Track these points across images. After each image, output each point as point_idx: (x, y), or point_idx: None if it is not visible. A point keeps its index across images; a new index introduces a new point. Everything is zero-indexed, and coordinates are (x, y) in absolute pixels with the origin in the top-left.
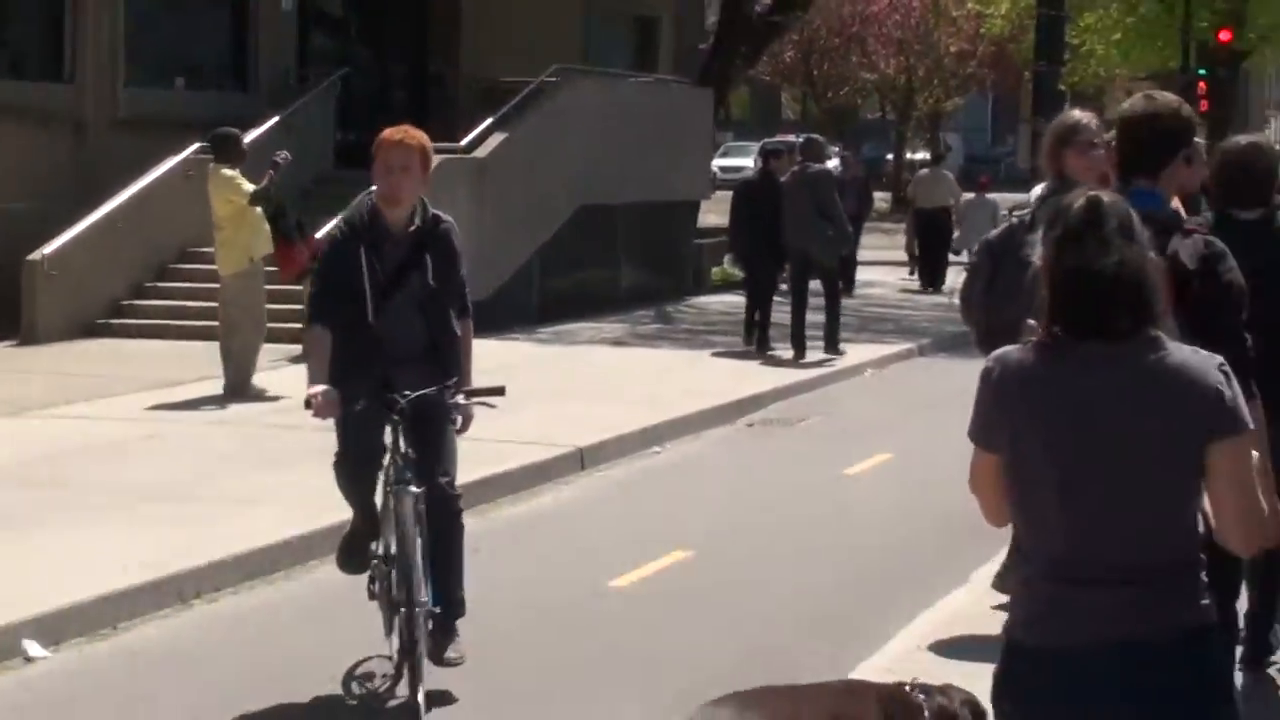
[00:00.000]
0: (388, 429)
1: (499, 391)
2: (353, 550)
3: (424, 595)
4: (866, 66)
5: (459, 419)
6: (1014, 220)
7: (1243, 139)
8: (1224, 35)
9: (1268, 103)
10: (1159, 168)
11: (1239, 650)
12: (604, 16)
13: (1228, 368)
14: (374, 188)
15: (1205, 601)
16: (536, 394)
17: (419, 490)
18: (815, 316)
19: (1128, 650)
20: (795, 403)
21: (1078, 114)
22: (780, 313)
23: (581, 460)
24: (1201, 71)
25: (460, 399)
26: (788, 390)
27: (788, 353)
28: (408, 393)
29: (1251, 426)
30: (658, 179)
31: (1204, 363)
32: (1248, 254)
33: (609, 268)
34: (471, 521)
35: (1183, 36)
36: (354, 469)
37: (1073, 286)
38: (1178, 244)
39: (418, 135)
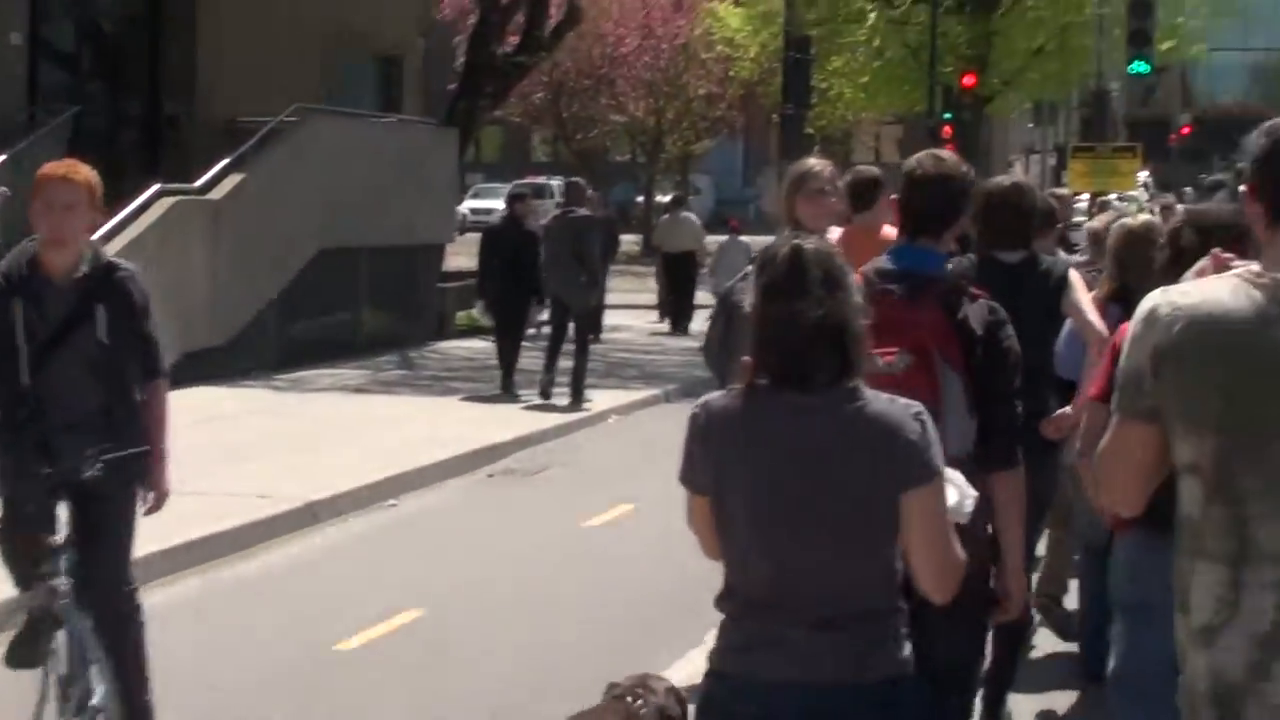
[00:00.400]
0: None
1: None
2: (23, 640)
3: (96, 699)
4: (616, 108)
5: (149, 496)
6: (749, 268)
7: (1005, 180)
8: (968, 80)
9: (1012, 147)
10: (944, 228)
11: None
12: (349, 55)
13: (925, 417)
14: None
15: (903, 653)
16: (268, 444)
17: (68, 585)
18: (564, 362)
19: (822, 694)
20: (538, 451)
21: (810, 161)
22: (529, 358)
23: (313, 514)
24: (947, 115)
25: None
26: (530, 439)
27: (540, 398)
28: (81, 464)
29: (942, 471)
30: (402, 221)
31: (901, 413)
32: (1009, 296)
33: (351, 312)
34: (194, 581)
35: (928, 81)
36: (12, 548)
37: (774, 335)
38: (967, 308)
39: (84, 170)
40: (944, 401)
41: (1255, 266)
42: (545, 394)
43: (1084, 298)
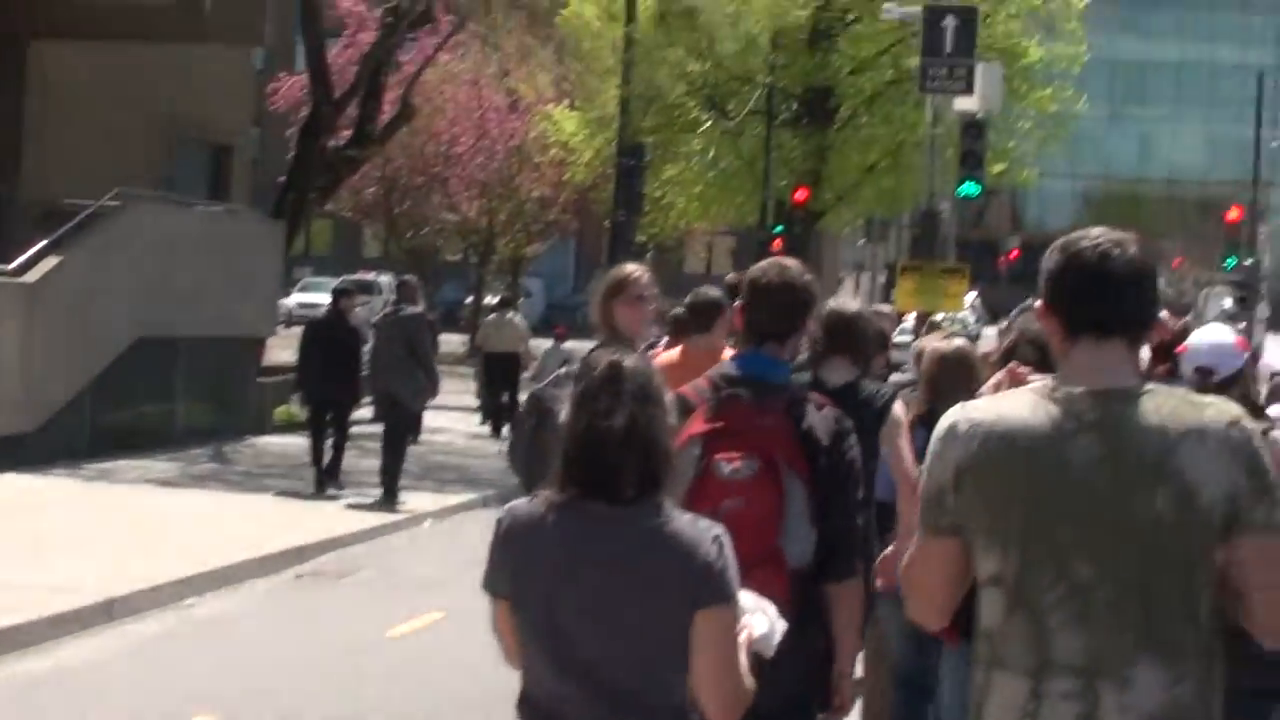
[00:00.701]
0: None
1: None
2: None
3: None
4: (448, 207)
5: None
6: (561, 372)
7: (844, 303)
8: (801, 194)
9: (842, 263)
10: (788, 336)
11: None
12: (181, 142)
13: (724, 540)
14: None
15: None
16: (68, 536)
17: None
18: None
19: None
20: (349, 554)
21: (628, 267)
22: (352, 456)
23: (110, 611)
24: (779, 229)
25: None
26: (342, 540)
27: (363, 498)
28: None
29: (735, 597)
30: (223, 312)
31: (700, 533)
32: None
33: (167, 403)
34: None
35: (762, 193)
36: None
37: (584, 445)
38: (813, 418)
39: None
40: (787, 509)
41: (1050, 381)
42: (391, 496)
43: (902, 435)
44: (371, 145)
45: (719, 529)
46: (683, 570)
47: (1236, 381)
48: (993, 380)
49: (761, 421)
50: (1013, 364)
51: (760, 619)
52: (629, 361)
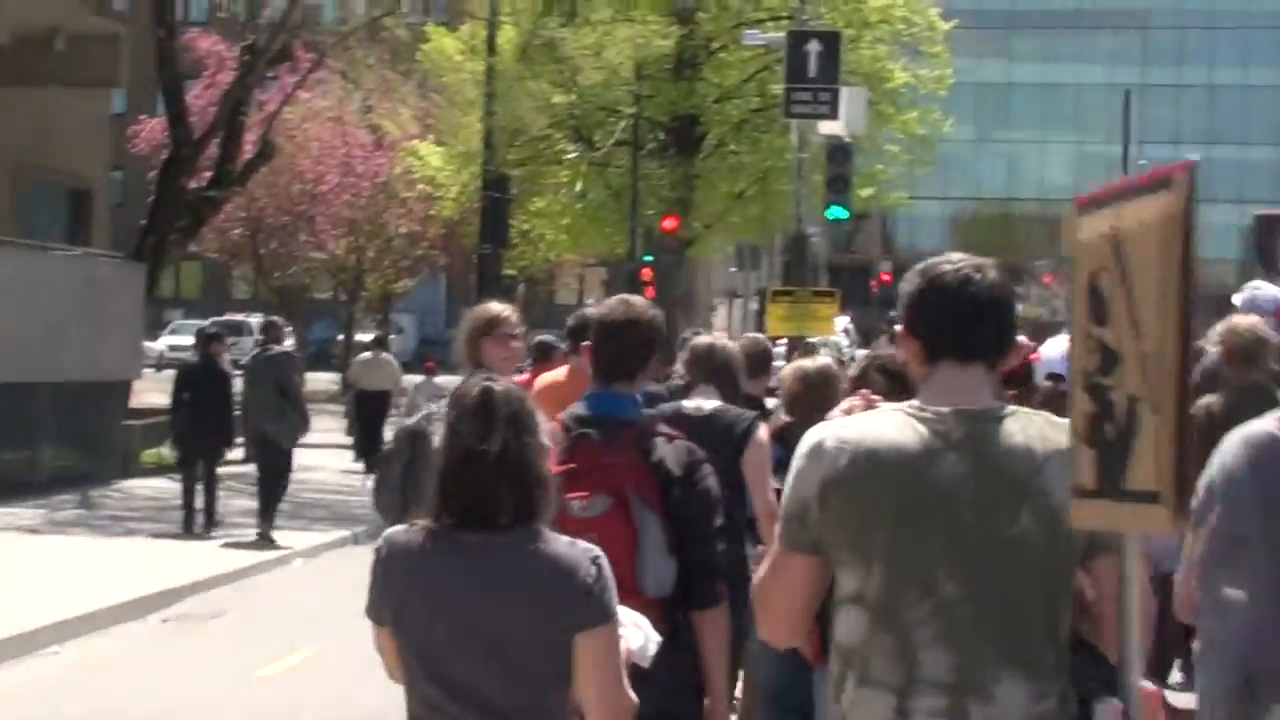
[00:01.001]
0: None
1: None
2: None
3: None
4: (315, 246)
5: None
6: (432, 408)
7: (704, 337)
8: (669, 224)
9: (715, 290)
10: (636, 371)
11: None
12: (37, 186)
13: (602, 561)
14: None
15: None
16: None
17: None
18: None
19: None
20: (217, 595)
21: (497, 306)
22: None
23: None
24: (648, 258)
25: None
26: (210, 582)
27: (238, 535)
28: None
29: (615, 616)
30: (85, 356)
31: (578, 556)
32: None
33: (30, 449)
34: None
35: (630, 224)
36: None
37: (458, 472)
38: (663, 450)
39: None
40: (641, 543)
41: (915, 402)
42: (267, 536)
43: (763, 463)
44: (232, 185)
45: (596, 551)
46: (563, 593)
47: None
48: (844, 405)
49: (611, 459)
50: (864, 391)
51: (634, 632)
52: (500, 387)
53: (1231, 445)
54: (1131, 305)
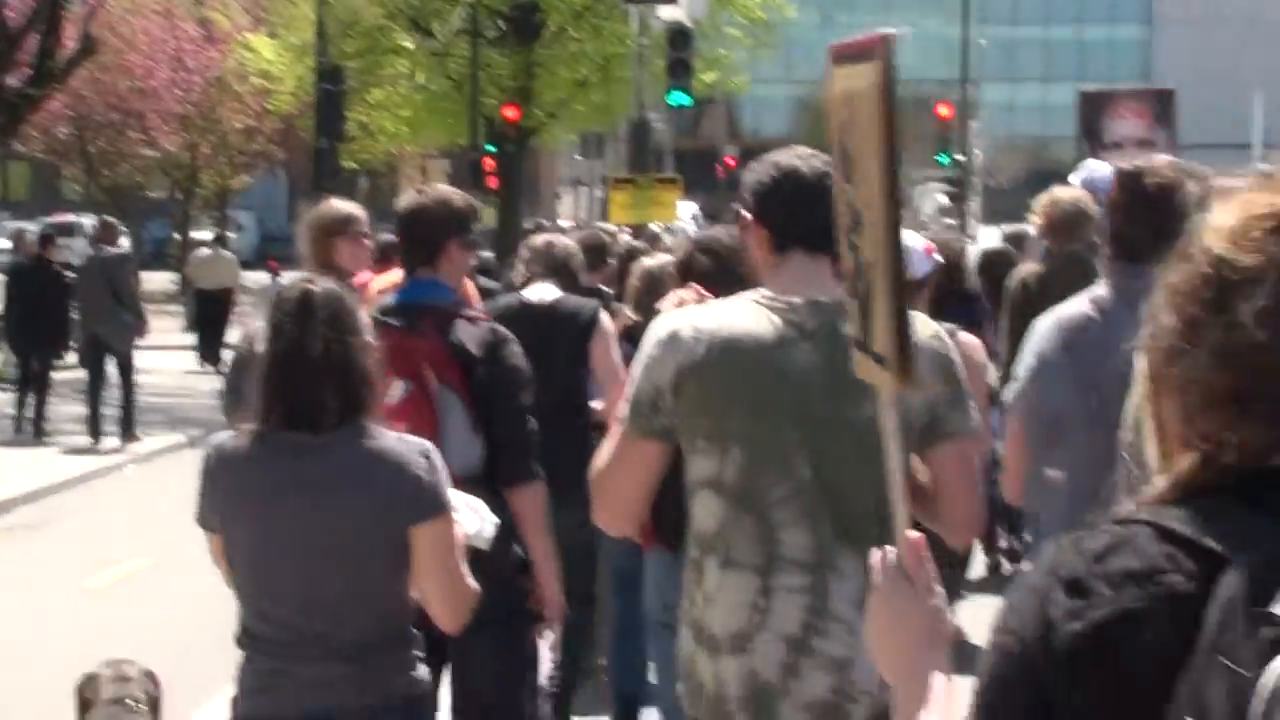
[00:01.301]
0: None
1: None
2: None
3: None
4: (147, 143)
5: None
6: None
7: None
8: (510, 113)
9: (560, 179)
10: (435, 257)
11: None
12: None
13: (433, 454)
14: None
15: (417, 673)
16: None
17: None
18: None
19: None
20: (46, 504)
21: (345, 204)
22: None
23: None
24: (490, 148)
25: None
26: (40, 492)
27: (74, 440)
28: None
29: (449, 507)
30: None
31: (408, 450)
32: (538, 336)
33: None
34: None
35: (471, 113)
36: None
37: (281, 375)
38: (463, 332)
39: None
40: (444, 424)
41: (766, 291)
42: (96, 436)
43: (611, 344)
44: (53, 82)
45: (427, 444)
46: (395, 488)
47: (925, 284)
48: (674, 296)
49: (412, 343)
50: (693, 284)
51: (469, 515)
52: (319, 288)
53: (1045, 328)
54: (860, 168)
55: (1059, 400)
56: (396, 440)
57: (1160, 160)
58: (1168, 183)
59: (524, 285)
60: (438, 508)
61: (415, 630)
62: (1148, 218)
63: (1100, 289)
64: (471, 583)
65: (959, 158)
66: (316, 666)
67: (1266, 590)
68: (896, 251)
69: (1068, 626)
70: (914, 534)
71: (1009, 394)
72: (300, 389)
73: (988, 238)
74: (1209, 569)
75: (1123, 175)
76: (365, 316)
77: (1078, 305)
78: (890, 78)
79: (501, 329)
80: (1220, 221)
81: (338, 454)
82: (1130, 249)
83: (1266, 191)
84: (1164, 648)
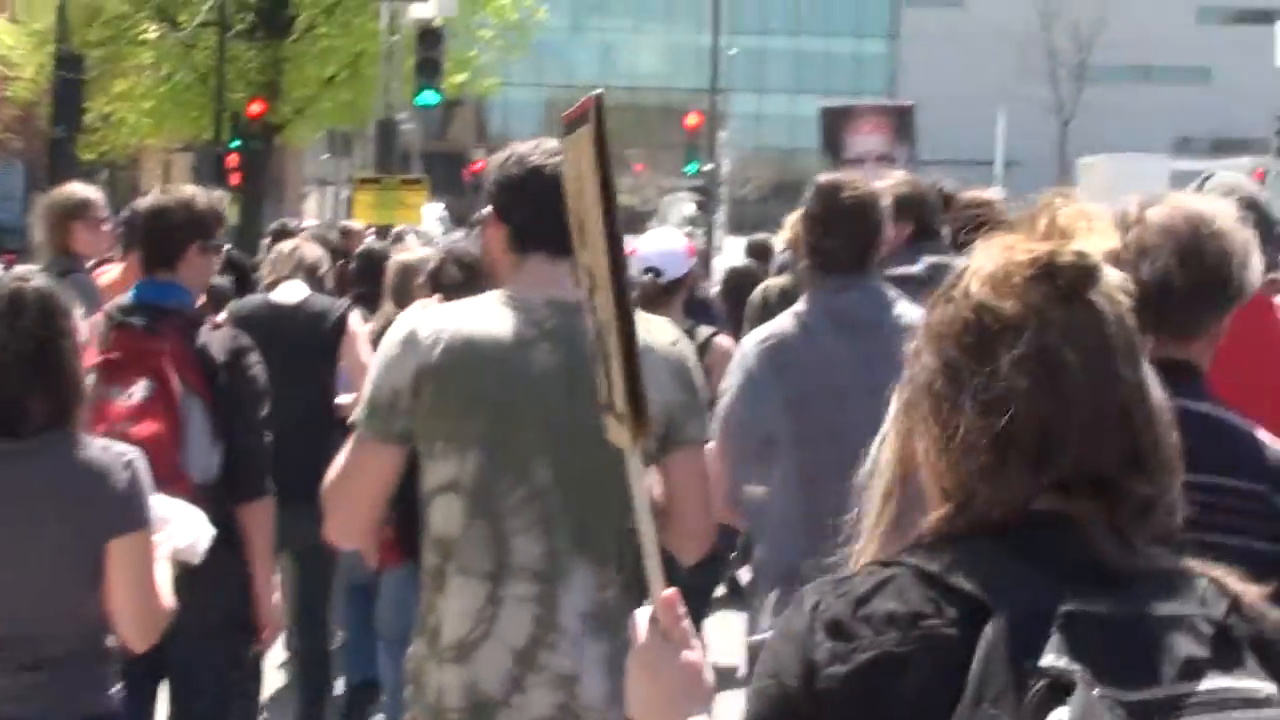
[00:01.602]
0: None
1: None
2: None
3: None
4: None
5: None
6: None
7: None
8: (255, 108)
9: (306, 178)
10: (174, 260)
11: None
12: None
13: (138, 465)
14: None
15: (108, 690)
16: None
17: None
18: None
19: None
20: None
21: (82, 188)
22: None
23: None
24: (235, 144)
25: None
26: None
27: None
28: None
29: (149, 521)
30: None
31: (111, 460)
32: (283, 335)
33: None
34: None
35: (216, 107)
36: None
37: None
38: (207, 337)
39: None
40: (185, 428)
41: (506, 291)
42: None
43: (361, 344)
44: None
45: (133, 454)
46: (93, 500)
47: (683, 283)
48: (418, 306)
49: (154, 344)
50: (439, 297)
51: (183, 528)
52: (30, 285)
53: (751, 348)
54: (588, 232)
55: (768, 420)
56: (101, 449)
57: (894, 174)
58: (864, 196)
59: (270, 287)
60: (136, 522)
61: (114, 646)
62: (846, 229)
63: (802, 304)
64: (165, 600)
65: (707, 167)
66: (6, 677)
67: (1032, 641)
68: (625, 311)
69: (830, 669)
70: (667, 591)
71: (717, 409)
72: (3, 391)
73: (733, 248)
74: (971, 615)
75: (820, 189)
76: (80, 316)
77: (781, 323)
78: (603, 139)
79: (243, 337)
80: (982, 266)
81: (37, 462)
82: (828, 261)
83: (1028, 237)
84: (926, 692)
